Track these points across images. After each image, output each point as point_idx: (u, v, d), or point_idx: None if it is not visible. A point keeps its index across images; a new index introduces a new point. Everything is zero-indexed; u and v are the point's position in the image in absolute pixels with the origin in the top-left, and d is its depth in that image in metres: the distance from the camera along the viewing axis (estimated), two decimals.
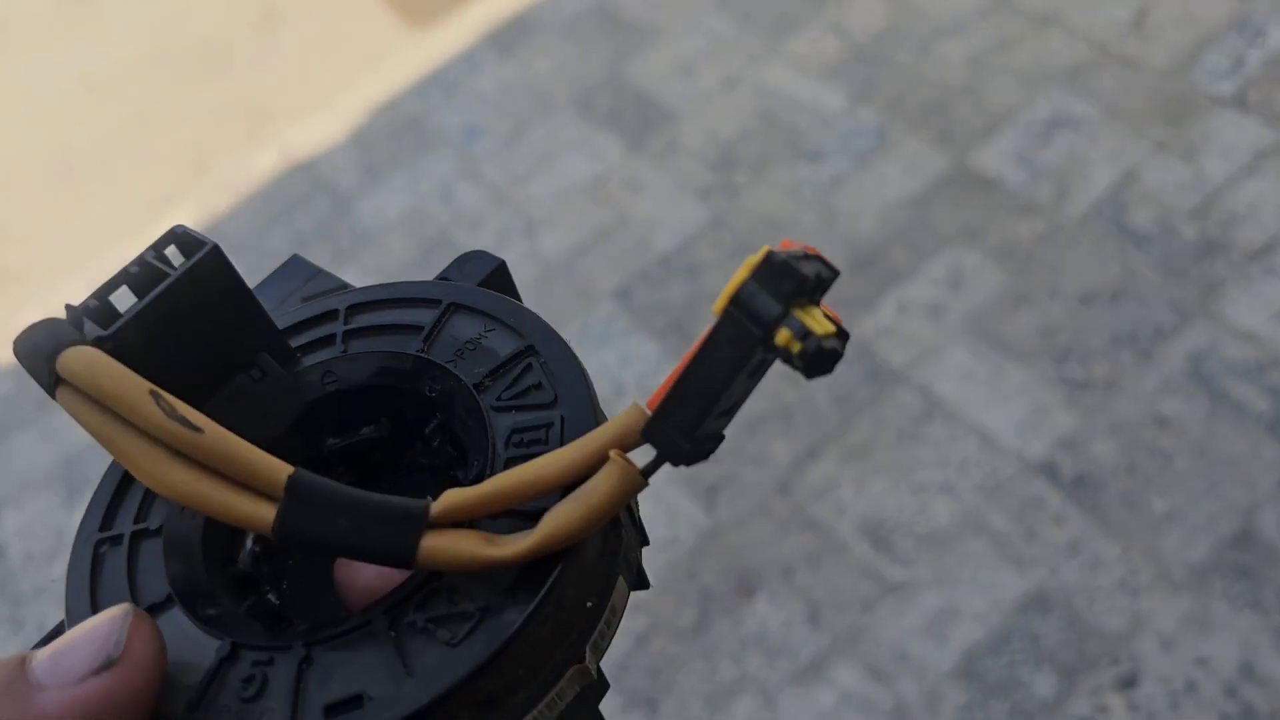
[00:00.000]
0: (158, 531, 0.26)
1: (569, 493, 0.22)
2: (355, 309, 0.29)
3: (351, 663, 0.22)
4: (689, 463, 0.21)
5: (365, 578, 0.25)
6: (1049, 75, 1.65)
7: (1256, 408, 1.26)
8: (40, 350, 0.22)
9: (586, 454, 0.23)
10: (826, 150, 1.68)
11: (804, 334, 0.19)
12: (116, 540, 0.26)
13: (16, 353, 0.23)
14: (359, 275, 1.80)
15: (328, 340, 0.29)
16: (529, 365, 0.26)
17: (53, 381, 0.23)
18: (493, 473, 0.24)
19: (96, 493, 0.27)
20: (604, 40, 2.01)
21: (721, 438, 0.22)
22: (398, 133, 2.01)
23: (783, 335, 0.19)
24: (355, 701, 0.22)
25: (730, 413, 0.21)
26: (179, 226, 0.25)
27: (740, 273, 0.20)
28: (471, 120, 1.98)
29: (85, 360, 0.22)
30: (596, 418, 0.25)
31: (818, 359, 0.19)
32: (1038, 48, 1.69)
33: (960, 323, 1.43)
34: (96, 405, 0.22)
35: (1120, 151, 1.53)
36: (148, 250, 0.25)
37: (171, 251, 0.25)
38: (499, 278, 0.30)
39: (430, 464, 0.28)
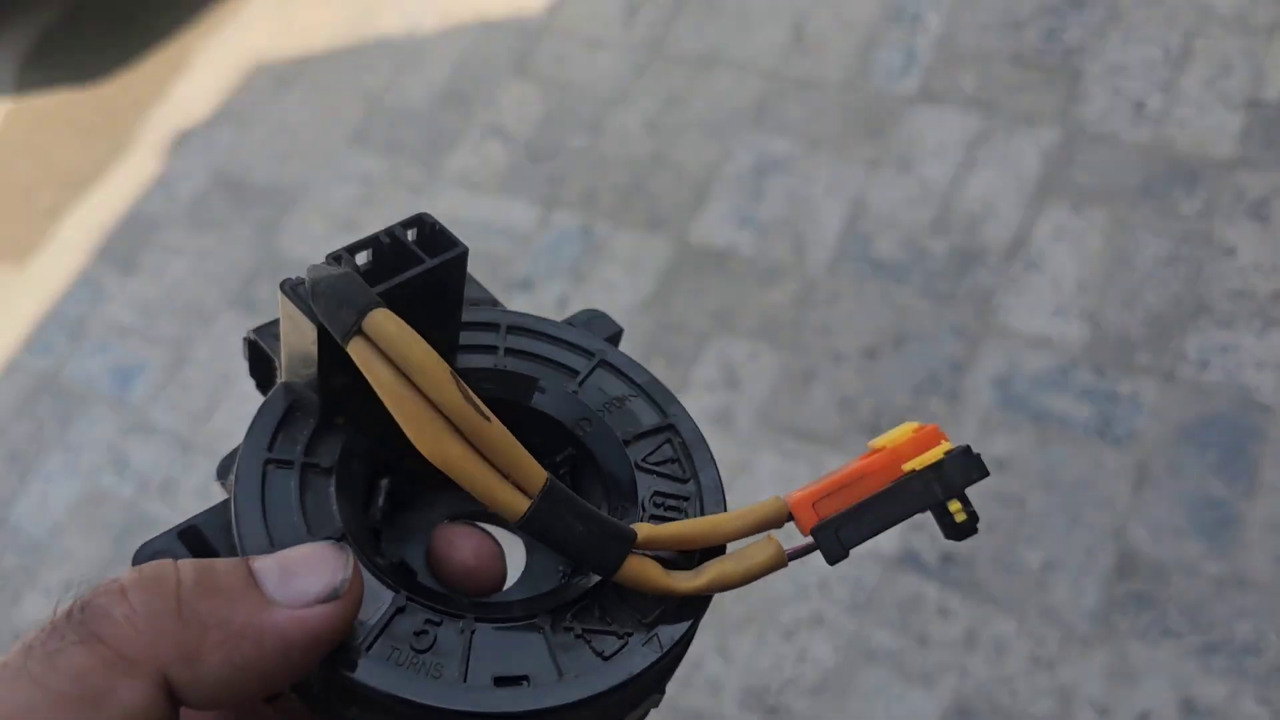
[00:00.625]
0: (328, 470, 0.28)
1: (712, 552, 0.28)
2: (514, 329, 0.32)
3: (514, 647, 0.26)
4: (834, 563, 0.27)
5: (462, 556, 0.29)
6: (734, 119, 1.53)
7: (1079, 416, 1.19)
8: (348, 301, 0.25)
9: (745, 526, 0.28)
10: (537, 273, 1.48)
11: (969, 509, 0.26)
12: (285, 465, 0.27)
13: (314, 289, 0.25)
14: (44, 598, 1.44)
15: (488, 349, 0.32)
16: (668, 440, 0.31)
17: (350, 331, 0.25)
18: (636, 519, 0.29)
19: (260, 416, 0.28)
20: (240, 217, 1.72)
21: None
22: (30, 401, 1.63)
23: (955, 505, 0.26)
24: (519, 681, 0.25)
25: None
26: (429, 216, 0.27)
27: (941, 448, 0.27)
28: (117, 360, 1.64)
29: (396, 326, 0.25)
30: (725, 500, 0.30)
31: (970, 528, 0.26)
32: (711, 93, 1.57)
33: (754, 423, 1.28)
34: (390, 365, 0.25)
35: (837, 181, 1.43)
36: (398, 227, 0.27)
37: (413, 235, 0.27)
38: (615, 342, 0.34)
39: None
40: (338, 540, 0.25)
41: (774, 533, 0.28)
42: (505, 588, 0.30)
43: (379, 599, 0.26)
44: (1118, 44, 1.46)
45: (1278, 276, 1.22)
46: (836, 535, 0.26)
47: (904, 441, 0.27)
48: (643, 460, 0.30)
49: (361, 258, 0.27)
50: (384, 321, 0.25)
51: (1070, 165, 1.35)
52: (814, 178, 1.44)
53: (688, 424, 0.31)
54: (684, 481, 0.30)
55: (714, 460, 0.31)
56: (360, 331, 0.25)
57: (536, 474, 0.26)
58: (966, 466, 0.26)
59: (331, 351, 0.26)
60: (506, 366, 0.32)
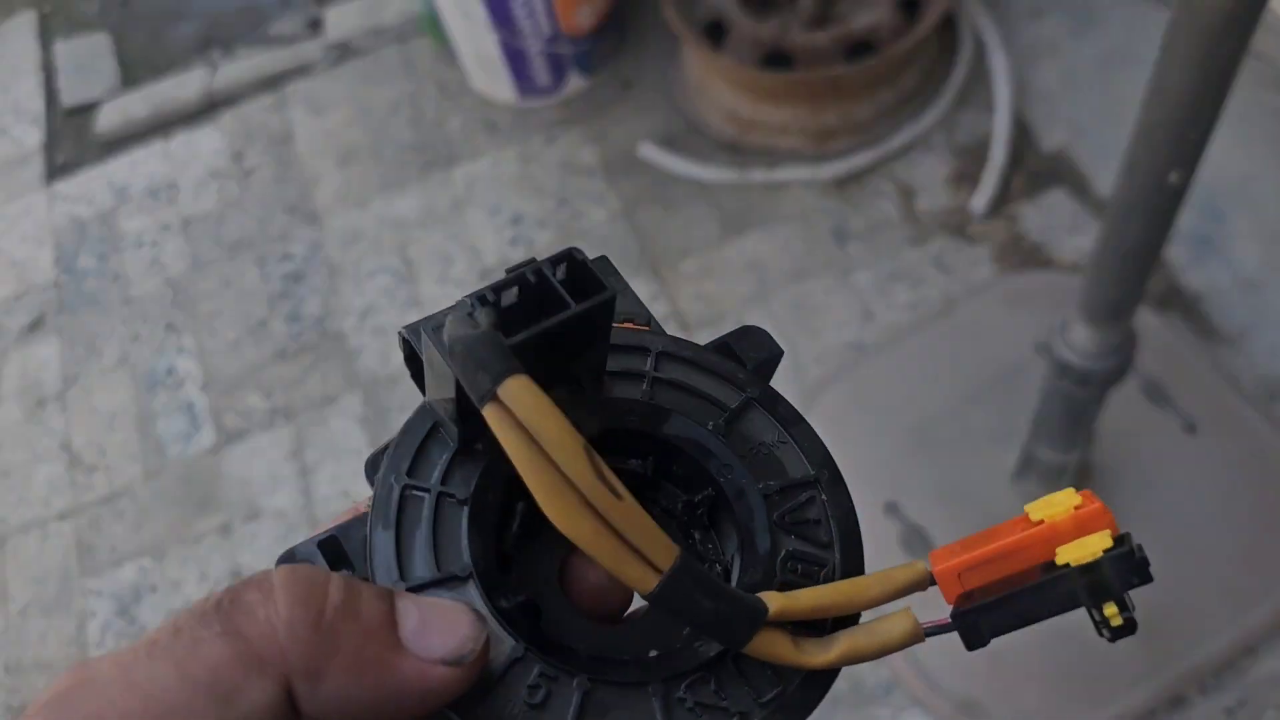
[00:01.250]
0: (462, 502, 0.28)
1: (844, 620, 0.28)
2: (664, 356, 0.31)
3: (625, 710, 0.26)
4: (972, 649, 0.26)
5: (596, 577, 0.30)
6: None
7: None
8: (484, 366, 0.24)
9: (886, 593, 0.27)
10: None
11: (1126, 614, 0.25)
12: (421, 491, 0.28)
13: (452, 349, 0.25)
14: None
15: (635, 376, 0.31)
16: (813, 498, 0.30)
17: (485, 397, 0.24)
18: (768, 579, 0.28)
19: (403, 437, 0.28)
20: None
21: None
22: None
23: (1111, 608, 0.24)
24: None
25: None
26: (579, 251, 0.27)
27: (1100, 542, 0.25)
28: None
29: (532, 397, 0.24)
30: (863, 564, 0.29)
31: (1127, 631, 0.25)
32: None
33: None
34: (525, 433, 0.24)
35: (200, 569, 1.36)
36: (546, 264, 0.26)
37: (561, 273, 0.26)
38: (769, 367, 0.32)
39: (676, 520, 0.31)
40: (465, 579, 0.26)
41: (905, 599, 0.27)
42: (631, 609, 0.31)
43: (500, 644, 0.26)
44: (351, 292, 1.56)
45: None
46: (979, 624, 0.26)
47: (1064, 518, 0.25)
48: (783, 518, 0.29)
49: (508, 295, 0.26)
50: (519, 393, 0.24)
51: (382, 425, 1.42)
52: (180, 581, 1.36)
53: (836, 485, 0.30)
54: (825, 547, 0.29)
55: (858, 528, 0.30)
56: (494, 399, 0.24)
57: (666, 550, 0.26)
58: (1126, 571, 0.24)
59: (469, 401, 0.25)
60: (654, 398, 0.31)
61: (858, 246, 1.51)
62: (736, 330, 0.33)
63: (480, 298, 0.26)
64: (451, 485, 0.28)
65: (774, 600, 0.26)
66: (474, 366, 0.24)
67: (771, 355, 0.32)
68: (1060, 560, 0.25)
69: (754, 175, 1.59)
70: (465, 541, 0.27)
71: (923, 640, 0.27)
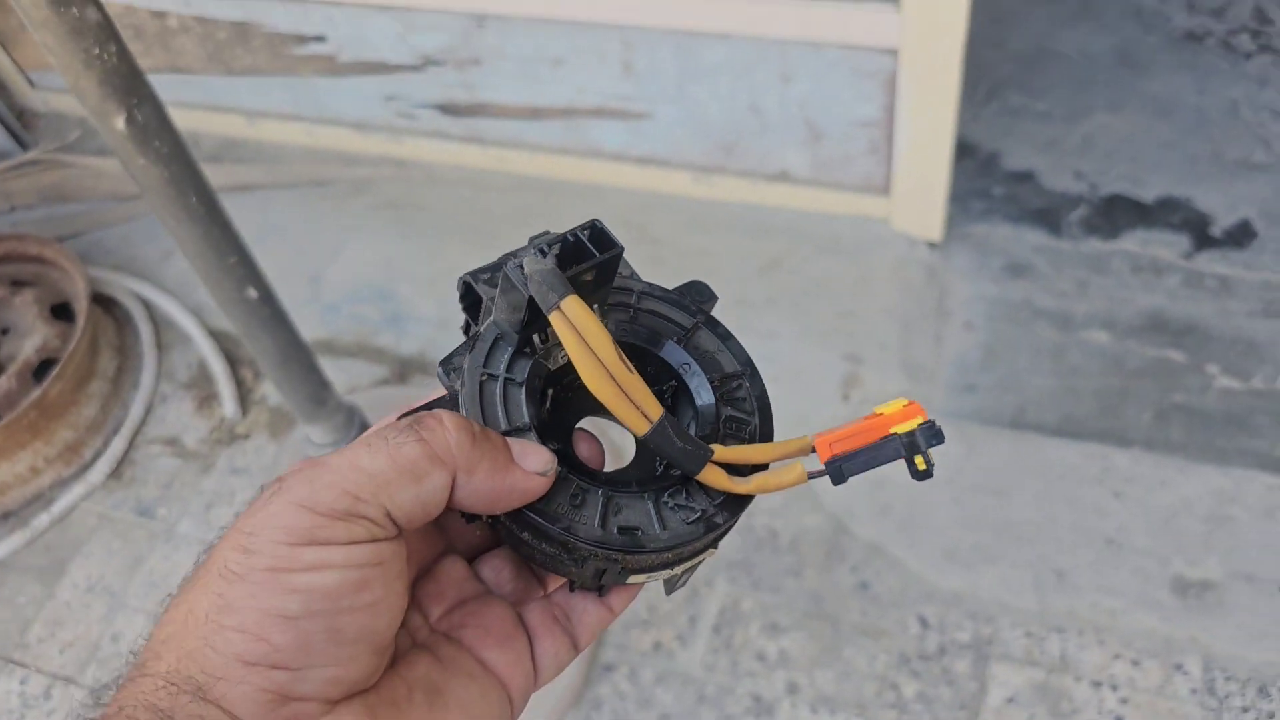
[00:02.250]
0: (520, 384, 0.41)
1: (760, 468, 0.42)
2: (644, 295, 0.45)
3: (632, 509, 0.40)
4: (837, 484, 0.39)
5: (581, 451, 0.43)
6: None
7: None
8: (553, 288, 0.38)
9: (783, 453, 0.41)
10: None
11: (929, 464, 0.38)
12: (493, 378, 0.41)
13: (530, 276, 0.38)
14: None
15: (625, 307, 0.45)
16: (741, 384, 0.44)
17: (551, 308, 0.38)
18: (709, 436, 0.43)
19: (479, 341, 0.41)
20: None
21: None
22: None
23: (919, 460, 0.38)
24: (635, 530, 0.39)
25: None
26: (599, 222, 0.40)
27: (917, 420, 0.39)
28: None
29: (583, 311, 0.38)
30: (774, 430, 0.44)
31: (928, 475, 0.38)
32: None
33: None
34: (577, 333, 0.38)
35: None
36: (579, 230, 0.40)
37: (587, 235, 0.40)
38: (710, 305, 0.46)
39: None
40: (527, 430, 0.40)
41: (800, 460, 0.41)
42: (621, 466, 0.44)
43: (550, 464, 0.38)
44: None
45: None
46: (840, 468, 0.39)
47: (896, 411, 0.39)
48: (721, 396, 0.44)
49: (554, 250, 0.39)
50: (574, 306, 0.38)
51: None
52: None
53: (755, 377, 0.44)
54: (749, 414, 0.43)
55: (769, 403, 0.44)
56: (558, 309, 0.38)
57: (656, 409, 0.39)
58: (929, 435, 0.38)
59: (535, 313, 0.39)
60: (639, 321, 0.44)
61: (166, 512, 1.64)
62: (686, 283, 0.47)
63: (540, 250, 0.39)
64: (513, 374, 0.41)
65: (716, 450, 0.41)
66: (546, 288, 0.38)
67: (710, 297, 0.47)
68: (892, 431, 0.39)
69: (39, 521, 1.64)
70: (525, 407, 0.40)
71: (805, 481, 0.40)
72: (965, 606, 1.39)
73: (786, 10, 1.47)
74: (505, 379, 0.41)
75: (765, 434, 0.44)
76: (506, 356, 0.42)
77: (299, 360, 1.05)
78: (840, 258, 1.75)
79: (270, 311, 0.99)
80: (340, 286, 1.88)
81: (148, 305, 1.89)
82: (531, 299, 0.39)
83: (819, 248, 1.77)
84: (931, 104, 1.48)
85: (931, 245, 1.74)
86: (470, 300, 0.43)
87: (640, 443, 0.41)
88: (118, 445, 1.70)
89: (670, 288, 0.46)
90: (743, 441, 0.43)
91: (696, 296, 0.47)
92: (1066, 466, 1.48)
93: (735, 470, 0.41)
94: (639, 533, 0.39)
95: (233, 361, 1.80)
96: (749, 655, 1.40)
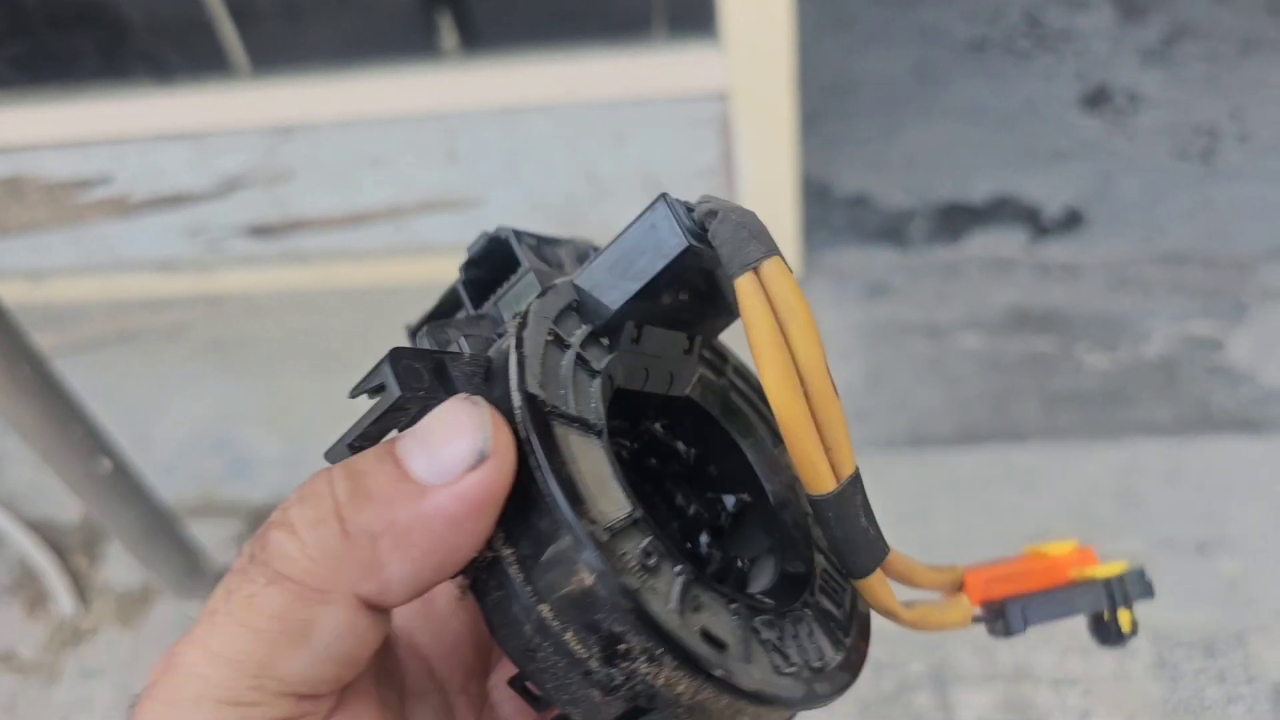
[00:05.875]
0: (594, 374, 0.28)
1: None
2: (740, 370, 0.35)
3: (713, 614, 0.26)
4: (1011, 635, 0.32)
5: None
6: None
7: None
8: (758, 237, 0.26)
9: (941, 582, 0.32)
10: None
11: (1135, 622, 0.32)
12: (562, 344, 0.28)
13: (725, 216, 0.26)
14: None
15: (714, 367, 0.34)
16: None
17: (748, 265, 0.26)
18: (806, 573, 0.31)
19: (548, 293, 0.28)
20: None
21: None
22: None
23: (1125, 614, 0.31)
24: (722, 645, 0.25)
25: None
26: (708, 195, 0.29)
27: (1119, 565, 0.32)
28: None
29: (788, 277, 0.26)
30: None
31: (1133, 633, 0.31)
32: None
33: None
34: (770, 308, 0.26)
35: None
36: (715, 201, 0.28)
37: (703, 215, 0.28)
38: None
39: (687, 514, 0.33)
40: (599, 432, 0.26)
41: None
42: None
43: (619, 505, 0.25)
44: None
45: None
46: (1023, 613, 0.32)
47: (1066, 554, 0.32)
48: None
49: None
50: (778, 270, 0.25)
51: None
52: None
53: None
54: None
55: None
56: (755, 271, 0.26)
57: (849, 461, 0.27)
58: (1140, 586, 0.31)
59: (680, 271, 0.27)
60: (728, 399, 0.33)
61: None
62: None
63: (686, 206, 0.28)
64: (589, 355, 0.28)
65: (890, 558, 0.30)
66: (746, 235, 0.26)
67: None
68: (1087, 575, 0.33)
69: None
70: (600, 404, 0.27)
71: (969, 626, 0.32)
72: (912, 637, 1.35)
73: (608, 69, 1.44)
74: (579, 354, 0.28)
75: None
76: (581, 332, 0.28)
77: (164, 530, 0.93)
78: None
79: (128, 483, 0.86)
80: (171, 443, 1.71)
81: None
82: (688, 252, 0.27)
83: None
84: (770, 141, 1.48)
85: None
86: (488, 266, 0.31)
87: (816, 507, 0.28)
88: None
89: None
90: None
91: None
92: (971, 474, 1.48)
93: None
94: (724, 650, 0.25)
95: (60, 550, 1.58)
96: None
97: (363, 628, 0.24)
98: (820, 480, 0.27)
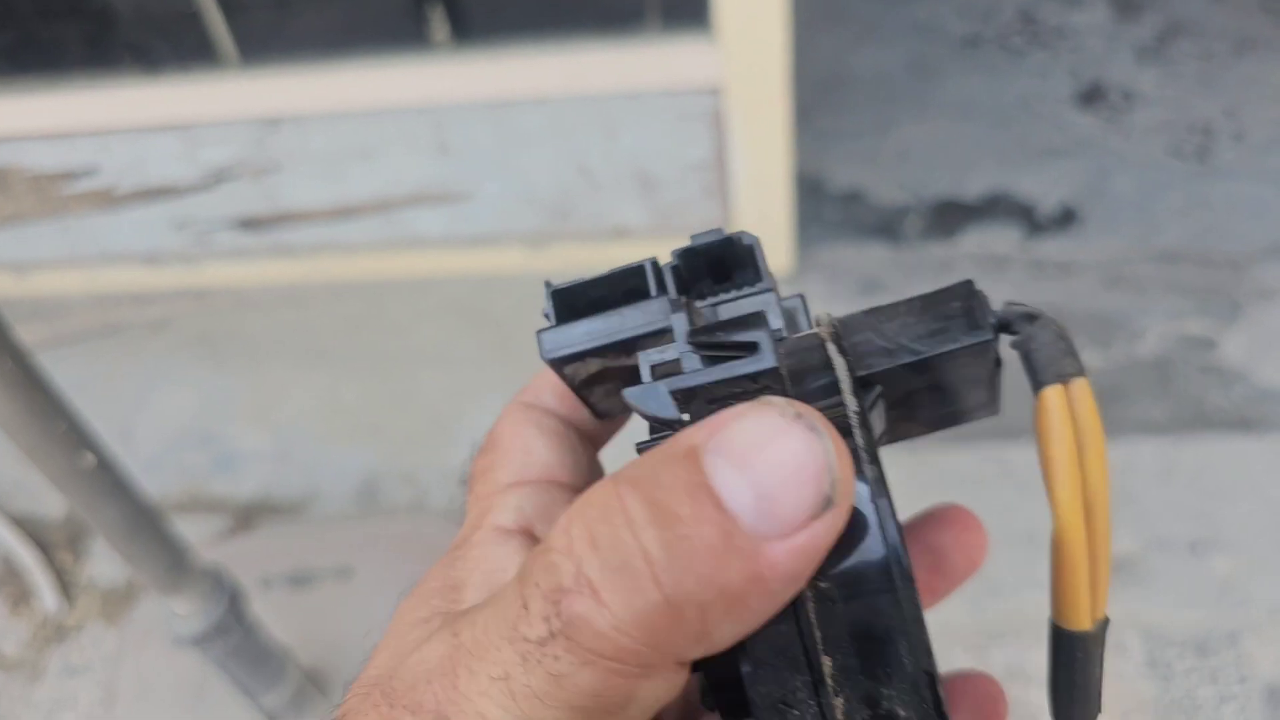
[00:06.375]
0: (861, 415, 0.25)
1: None
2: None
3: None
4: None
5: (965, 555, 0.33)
6: None
7: None
8: (1072, 357, 0.24)
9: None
10: None
11: None
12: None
13: (1044, 323, 0.25)
14: None
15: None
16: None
17: (1066, 377, 0.24)
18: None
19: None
20: None
21: None
22: None
23: None
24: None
25: None
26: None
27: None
28: None
29: (1092, 400, 0.24)
30: None
31: None
32: None
33: None
34: (1071, 426, 0.24)
35: None
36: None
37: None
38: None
39: None
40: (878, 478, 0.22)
41: None
42: None
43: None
44: None
45: None
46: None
47: None
48: None
49: None
50: (1089, 392, 0.24)
51: None
52: None
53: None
54: None
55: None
56: (1064, 387, 0.24)
57: (1104, 603, 0.25)
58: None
59: (961, 358, 0.26)
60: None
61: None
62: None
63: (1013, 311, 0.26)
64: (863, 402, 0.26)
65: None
66: (1066, 349, 0.25)
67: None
68: None
69: None
70: (876, 447, 0.25)
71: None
72: None
73: (601, 62, 1.43)
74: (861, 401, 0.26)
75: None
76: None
77: (149, 526, 0.91)
78: None
79: (112, 478, 0.85)
80: (156, 438, 1.69)
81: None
82: (989, 344, 0.26)
83: None
84: (763, 135, 1.47)
85: (781, 279, 1.72)
86: (701, 263, 0.28)
87: (1062, 644, 0.26)
88: None
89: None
90: None
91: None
92: (967, 473, 1.47)
93: None
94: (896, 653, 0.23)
95: (45, 546, 1.57)
96: None
97: (680, 682, 0.21)
98: (1079, 615, 0.25)
